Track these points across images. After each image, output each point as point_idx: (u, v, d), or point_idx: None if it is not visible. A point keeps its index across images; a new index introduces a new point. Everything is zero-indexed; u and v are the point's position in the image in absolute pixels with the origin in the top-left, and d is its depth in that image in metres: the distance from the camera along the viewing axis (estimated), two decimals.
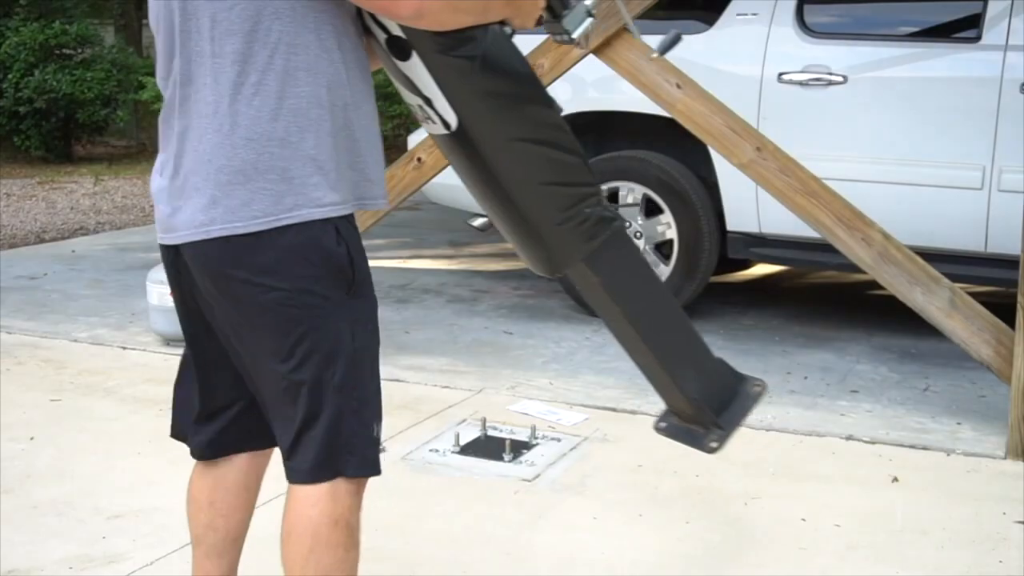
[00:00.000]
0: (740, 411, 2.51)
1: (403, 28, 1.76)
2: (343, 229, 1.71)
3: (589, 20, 1.90)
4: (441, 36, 1.75)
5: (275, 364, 1.72)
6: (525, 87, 1.92)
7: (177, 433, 2.06)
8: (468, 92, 1.83)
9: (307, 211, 1.66)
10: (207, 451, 1.98)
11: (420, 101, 1.88)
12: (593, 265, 2.14)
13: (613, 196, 4.94)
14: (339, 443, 1.74)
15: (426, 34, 1.75)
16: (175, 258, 1.78)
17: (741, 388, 2.53)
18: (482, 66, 1.80)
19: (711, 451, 2.43)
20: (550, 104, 1.97)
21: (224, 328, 1.80)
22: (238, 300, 1.71)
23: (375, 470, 1.79)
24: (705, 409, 2.45)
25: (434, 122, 1.90)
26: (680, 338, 2.44)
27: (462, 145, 1.93)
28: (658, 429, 2.55)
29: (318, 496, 1.77)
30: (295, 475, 1.79)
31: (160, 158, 1.78)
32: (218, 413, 1.95)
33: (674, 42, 2.39)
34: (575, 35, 1.90)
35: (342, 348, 1.72)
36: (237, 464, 2.00)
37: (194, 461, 2.06)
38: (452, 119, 1.86)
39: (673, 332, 2.44)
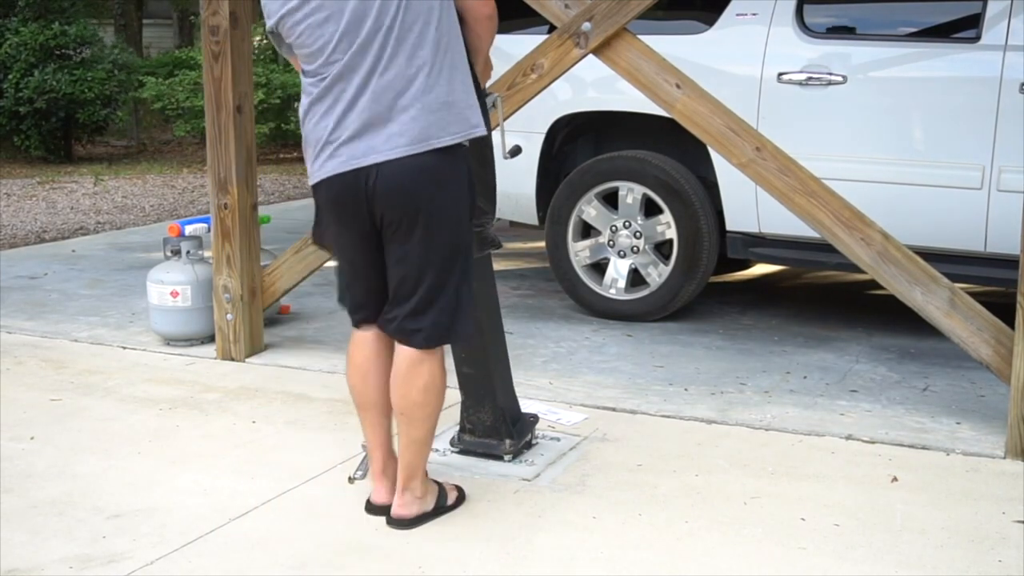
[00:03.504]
0: (525, 429, 3.27)
1: None
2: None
3: (492, 107, 2.96)
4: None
5: (437, 250, 2.61)
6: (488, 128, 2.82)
7: (358, 317, 2.81)
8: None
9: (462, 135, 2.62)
10: (373, 316, 2.76)
11: None
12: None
13: (613, 196, 4.95)
14: (468, 310, 2.71)
15: None
16: (359, 182, 2.55)
17: (523, 414, 3.30)
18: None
19: (505, 454, 3.17)
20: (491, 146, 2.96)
21: (405, 225, 2.57)
22: (426, 197, 2.56)
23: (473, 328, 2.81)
24: (505, 418, 3.18)
25: None
26: (503, 352, 3.22)
27: None
28: (453, 445, 3.29)
29: (439, 351, 2.72)
30: (433, 340, 2.67)
31: (337, 113, 2.55)
32: (375, 293, 2.73)
33: (516, 152, 3.18)
34: (488, 108, 2.90)
35: (471, 238, 2.73)
36: (386, 340, 2.77)
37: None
38: None
39: (501, 347, 3.22)
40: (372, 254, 2.68)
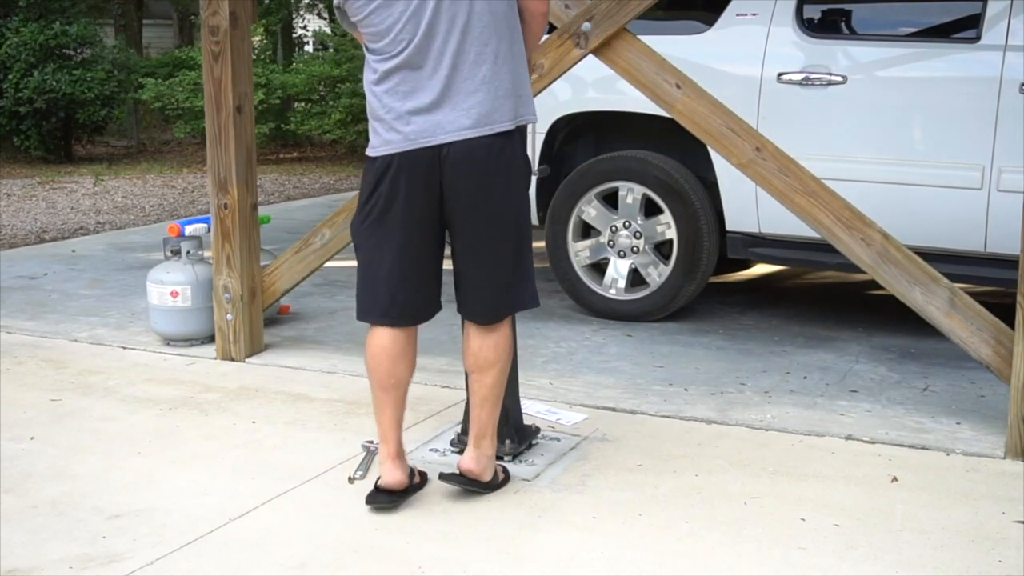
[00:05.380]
0: (526, 434, 3.30)
1: None
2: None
3: None
4: None
5: (510, 230, 2.79)
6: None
7: (380, 319, 2.85)
8: None
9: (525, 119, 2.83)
10: (411, 320, 2.86)
11: None
12: None
13: (613, 196, 4.95)
14: (531, 283, 2.96)
15: None
16: (430, 159, 2.68)
17: (527, 425, 3.34)
18: None
19: (506, 455, 3.18)
20: None
21: (470, 205, 2.72)
22: (500, 177, 2.73)
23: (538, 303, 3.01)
24: (508, 419, 3.19)
25: None
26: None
27: None
28: (453, 444, 3.29)
29: (509, 321, 2.93)
30: (501, 316, 2.88)
31: (403, 92, 2.68)
32: (421, 291, 2.83)
33: (544, 173, 3.28)
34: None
35: (529, 215, 2.90)
36: (414, 327, 2.90)
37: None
38: None
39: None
40: (431, 243, 2.79)
